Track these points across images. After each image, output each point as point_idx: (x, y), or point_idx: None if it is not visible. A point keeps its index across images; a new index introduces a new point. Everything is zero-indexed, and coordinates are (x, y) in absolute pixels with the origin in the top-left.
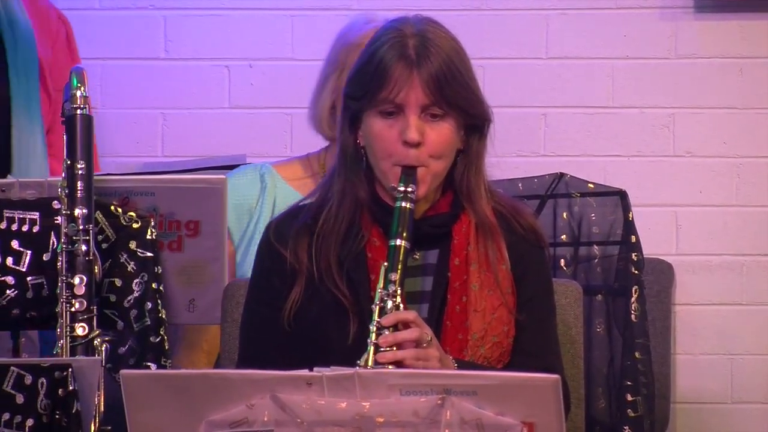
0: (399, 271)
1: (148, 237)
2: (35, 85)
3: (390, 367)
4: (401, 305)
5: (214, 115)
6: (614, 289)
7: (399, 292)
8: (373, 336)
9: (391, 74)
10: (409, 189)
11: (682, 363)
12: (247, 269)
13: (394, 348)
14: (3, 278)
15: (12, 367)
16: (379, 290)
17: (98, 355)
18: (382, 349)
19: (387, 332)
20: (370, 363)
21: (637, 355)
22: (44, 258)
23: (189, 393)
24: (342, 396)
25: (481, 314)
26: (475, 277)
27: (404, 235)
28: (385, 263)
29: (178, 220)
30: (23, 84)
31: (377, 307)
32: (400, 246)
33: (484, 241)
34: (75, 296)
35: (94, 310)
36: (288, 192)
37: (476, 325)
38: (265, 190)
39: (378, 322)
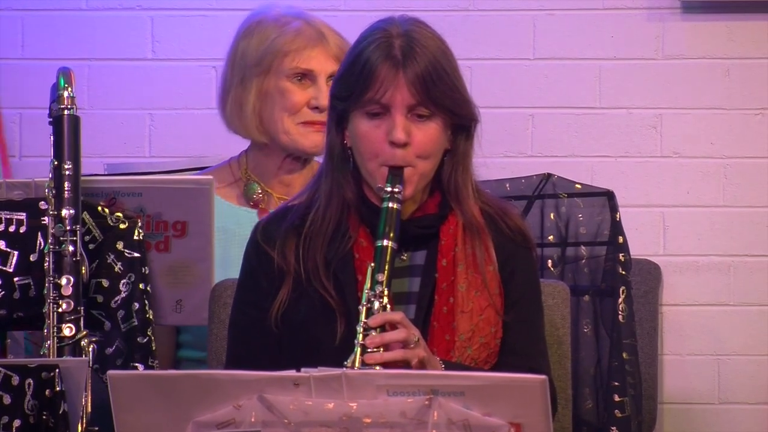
0: (386, 271)
1: (135, 237)
2: None
3: (377, 367)
4: (388, 306)
5: (201, 115)
6: (601, 290)
7: (386, 292)
8: (360, 337)
9: (377, 75)
10: (396, 189)
11: (670, 363)
12: None
13: (381, 349)
14: None
15: None
16: (366, 291)
17: (85, 356)
18: (369, 350)
19: (374, 333)
20: (357, 364)
21: (624, 355)
22: (31, 258)
23: (176, 393)
24: (329, 396)
25: (469, 315)
26: (462, 278)
27: (391, 235)
28: (372, 264)
29: (166, 220)
30: None
31: (364, 308)
32: (386, 246)
33: (472, 241)
34: (62, 297)
35: (81, 310)
36: None
37: (463, 326)
38: None
39: (365, 323)
